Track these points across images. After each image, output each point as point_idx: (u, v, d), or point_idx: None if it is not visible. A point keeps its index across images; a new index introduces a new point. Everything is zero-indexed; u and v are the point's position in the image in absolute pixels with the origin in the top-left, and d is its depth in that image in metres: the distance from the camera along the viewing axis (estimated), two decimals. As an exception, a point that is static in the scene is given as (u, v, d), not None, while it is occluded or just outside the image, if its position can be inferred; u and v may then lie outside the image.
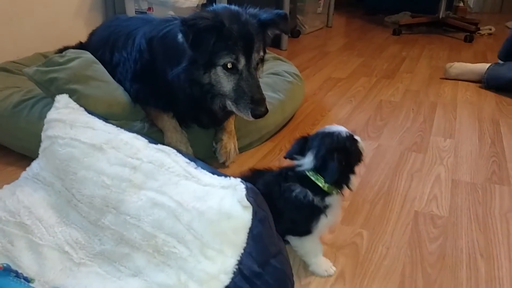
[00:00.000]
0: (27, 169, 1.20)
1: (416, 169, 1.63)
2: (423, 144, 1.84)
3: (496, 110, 2.26)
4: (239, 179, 0.90)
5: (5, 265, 0.87)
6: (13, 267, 0.89)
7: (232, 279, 0.87)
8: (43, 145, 1.17)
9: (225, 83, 1.41)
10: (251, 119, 1.44)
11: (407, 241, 1.23)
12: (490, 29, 4.16)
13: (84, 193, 1.03)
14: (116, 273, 0.93)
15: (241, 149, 1.71)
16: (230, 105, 1.45)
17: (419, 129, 1.99)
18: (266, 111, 1.44)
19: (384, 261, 1.15)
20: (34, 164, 1.19)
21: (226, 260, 0.87)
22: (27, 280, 0.93)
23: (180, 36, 1.39)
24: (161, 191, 0.93)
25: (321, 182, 1.01)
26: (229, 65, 1.38)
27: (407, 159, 1.70)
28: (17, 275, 0.92)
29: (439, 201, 1.42)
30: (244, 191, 0.87)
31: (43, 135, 1.18)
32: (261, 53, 1.47)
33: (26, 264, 0.96)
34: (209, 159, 1.60)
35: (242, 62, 1.40)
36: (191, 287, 0.86)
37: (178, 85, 1.44)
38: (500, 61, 2.65)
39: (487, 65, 2.59)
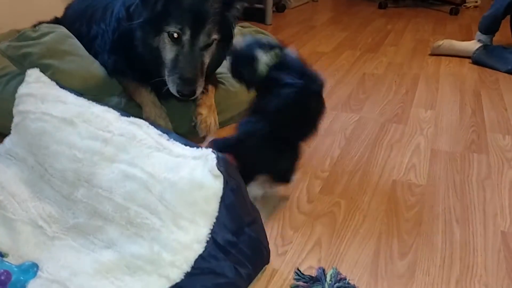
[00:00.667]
0: (0, 145, 1.18)
1: (396, 139, 1.64)
2: (404, 115, 1.84)
3: (479, 82, 2.27)
4: (210, 149, 0.90)
5: (-24, 240, 0.86)
6: (-14, 242, 0.89)
7: (206, 248, 0.87)
8: (15, 120, 1.15)
9: (168, 52, 1.39)
10: (175, 95, 1.42)
11: (384, 209, 1.24)
12: (476, 2, 4.15)
13: (56, 167, 1.01)
14: (90, 246, 0.92)
15: (222, 124, 1.70)
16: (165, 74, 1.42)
17: (400, 101, 1.99)
18: (193, 93, 1.41)
19: (361, 228, 1.16)
20: (7, 140, 1.17)
21: (198, 230, 0.87)
22: (1, 255, 0.93)
23: None
24: (132, 163, 0.92)
25: None
26: (175, 35, 1.36)
27: (387, 130, 1.70)
28: (-10, 250, 0.92)
29: (418, 170, 1.43)
30: (215, 161, 0.86)
31: (14, 110, 1.16)
32: (214, 36, 1.42)
33: (0, 239, 0.95)
34: (190, 133, 1.59)
35: (187, 36, 1.37)
36: (165, 257, 0.86)
37: (135, 42, 1.42)
38: (481, 38, 2.61)
39: (475, 46, 2.55)
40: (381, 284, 0.98)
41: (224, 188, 0.86)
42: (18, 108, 1.14)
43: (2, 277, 0.85)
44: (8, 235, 0.96)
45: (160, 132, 0.98)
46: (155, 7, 1.33)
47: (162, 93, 1.54)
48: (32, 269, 0.89)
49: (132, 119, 1.02)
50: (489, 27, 2.59)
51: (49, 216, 0.99)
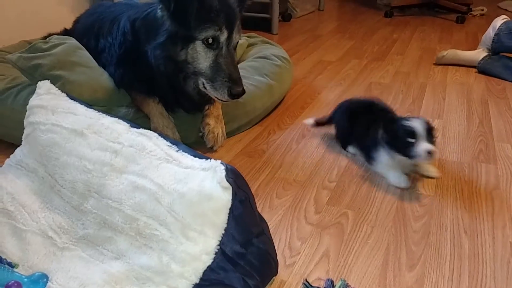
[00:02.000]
0: (11, 156, 1.20)
1: (404, 149, 1.63)
2: (411, 125, 1.84)
3: (486, 91, 2.26)
4: (219, 161, 0.90)
5: (-13, 251, 0.87)
6: (-4, 253, 0.90)
7: (214, 259, 0.88)
8: (25, 131, 1.17)
9: (202, 59, 1.39)
10: (226, 99, 1.42)
11: (392, 220, 1.24)
12: (482, 10, 4.14)
13: (66, 178, 1.02)
14: (99, 257, 0.93)
15: (229, 134, 1.71)
16: (204, 84, 1.42)
17: (407, 110, 1.99)
18: (244, 91, 1.42)
19: (369, 239, 1.16)
20: (18, 151, 1.19)
21: (207, 241, 0.87)
22: (11, 265, 0.94)
23: (159, 10, 1.37)
24: (142, 175, 0.93)
25: None
26: (210, 40, 1.37)
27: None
28: (1, 260, 0.93)
29: (425, 181, 1.43)
30: (224, 172, 0.87)
31: (25, 121, 1.17)
32: (241, 34, 1.46)
33: (10, 249, 0.97)
34: (197, 144, 1.60)
35: (225, 35, 1.38)
36: (173, 268, 0.86)
37: (155, 63, 1.43)
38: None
39: (480, 55, 2.54)
40: (389, 296, 0.98)
41: (233, 200, 0.87)
42: (29, 119, 1.16)
43: (13, 288, 0.85)
44: (18, 246, 0.97)
45: (170, 144, 0.99)
46: (192, 16, 1.32)
47: (168, 104, 1.56)
48: (42, 279, 0.90)
49: (141, 130, 1.03)
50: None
51: (59, 227, 0.99)
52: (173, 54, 1.39)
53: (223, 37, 1.38)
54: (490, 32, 2.57)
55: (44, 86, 1.20)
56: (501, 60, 2.48)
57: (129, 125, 1.05)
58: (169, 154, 0.95)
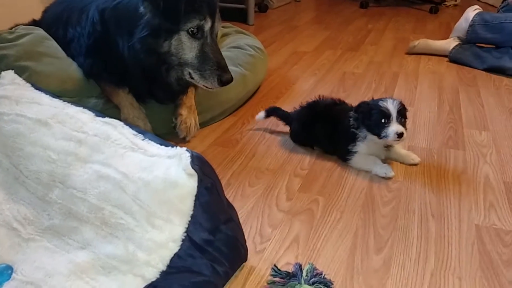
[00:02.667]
0: (-26, 148, 1.17)
1: (375, 137, 1.65)
2: (383, 113, 1.86)
3: (457, 79, 2.30)
4: (184, 148, 0.90)
5: None
6: (-42, 245, 0.88)
7: (182, 246, 0.87)
8: (-11, 123, 1.14)
9: (188, 49, 1.39)
10: (217, 87, 1.43)
11: (361, 205, 1.25)
12: (455, 0, 4.21)
13: (31, 169, 1.01)
14: (65, 247, 0.92)
15: (203, 124, 1.71)
16: (192, 74, 1.43)
17: (380, 99, 2.01)
18: (232, 78, 1.43)
19: (338, 224, 1.17)
20: (-19, 143, 1.16)
21: (173, 228, 0.87)
22: (-25, 258, 0.92)
23: (142, 7, 1.36)
24: (106, 164, 0.92)
25: None
26: (194, 30, 1.37)
27: (366, 128, 1.72)
28: (-37, 253, 0.91)
29: (395, 166, 1.45)
30: (189, 159, 0.87)
31: (-12, 113, 1.15)
32: (221, 22, 1.46)
33: (-26, 242, 0.95)
34: (169, 135, 1.59)
35: (208, 24, 1.38)
36: (140, 257, 0.86)
37: (133, 56, 1.41)
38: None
39: (451, 44, 2.59)
40: (356, 279, 1.00)
41: (199, 187, 0.87)
42: (-8, 110, 1.13)
43: (-24, 280, 0.84)
44: (-18, 238, 0.96)
45: (135, 132, 0.98)
46: (181, 12, 1.33)
47: (140, 94, 1.54)
48: (6, 271, 0.88)
49: (106, 119, 1.01)
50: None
51: (24, 218, 0.98)
52: (156, 46, 1.39)
53: (207, 26, 1.39)
54: (462, 22, 2.62)
55: (7, 76, 1.18)
56: (471, 49, 2.52)
57: (94, 114, 1.04)
58: (134, 143, 0.95)
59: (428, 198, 1.30)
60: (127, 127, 0.99)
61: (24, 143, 1.03)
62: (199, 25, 1.36)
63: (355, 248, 1.09)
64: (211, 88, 1.46)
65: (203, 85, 1.45)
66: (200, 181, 0.87)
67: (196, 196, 0.87)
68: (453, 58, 2.54)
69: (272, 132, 1.70)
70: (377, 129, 1.35)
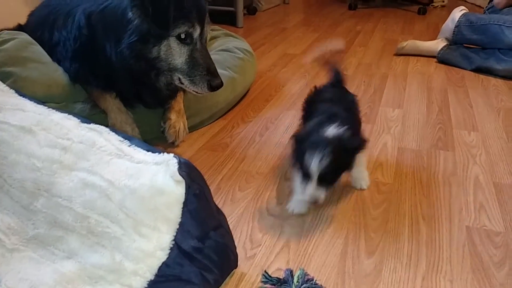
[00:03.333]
0: (-43, 156, 1.14)
1: (365, 139, 1.65)
2: (371, 115, 1.87)
3: (445, 80, 2.31)
4: (172, 155, 0.88)
5: None
6: None
7: (170, 255, 0.86)
8: (-29, 130, 1.11)
9: (177, 55, 1.38)
10: (207, 92, 1.42)
11: (352, 208, 1.25)
12: (443, 1, 4.24)
13: (15, 177, 0.98)
14: (51, 257, 0.90)
15: (192, 128, 1.69)
16: (181, 79, 1.42)
17: (369, 101, 2.02)
18: (222, 83, 1.43)
19: (328, 228, 1.17)
20: (-36, 151, 1.13)
21: (161, 237, 0.85)
22: (-43, 270, 0.90)
23: (130, 12, 1.35)
24: (92, 171, 0.90)
25: None
26: (183, 35, 1.36)
27: (356, 130, 1.72)
28: None
29: (385, 169, 1.45)
30: (176, 166, 0.85)
31: (-29, 120, 1.12)
32: (210, 26, 1.46)
33: (-44, 253, 0.92)
34: (158, 139, 1.57)
35: (198, 31, 1.38)
36: (127, 266, 0.84)
37: (121, 62, 1.40)
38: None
39: (439, 45, 2.60)
40: (348, 283, 0.99)
41: (187, 194, 0.85)
42: (-25, 117, 1.11)
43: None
44: (-36, 250, 0.93)
45: (121, 138, 0.96)
46: (170, 18, 1.31)
47: (128, 99, 1.52)
48: (-11, 283, 0.86)
49: (92, 125, 0.99)
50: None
51: (8, 228, 0.96)
52: (145, 52, 1.37)
53: (197, 32, 1.38)
54: (449, 23, 2.63)
55: (-10, 82, 1.15)
56: (459, 50, 2.54)
57: (79, 120, 1.02)
58: (120, 149, 0.93)
59: (418, 200, 1.29)
60: (113, 133, 0.97)
61: (7, 151, 1.00)
62: (188, 31, 1.36)
63: (346, 253, 1.08)
64: (200, 93, 1.45)
65: (193, 90, 1.45)
66: (188, 188, 0.85)
67: (184, 203, 0.85)
68: (442, 59, 2.56)
69: (262, 135, 1.69)
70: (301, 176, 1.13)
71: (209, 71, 1.41)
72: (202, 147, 1.61)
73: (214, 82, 1.41)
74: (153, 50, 1.37)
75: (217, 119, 1.82)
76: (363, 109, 1.92)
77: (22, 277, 0.86)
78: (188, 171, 0.87)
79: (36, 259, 0.90)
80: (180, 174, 0.84)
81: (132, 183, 0.86)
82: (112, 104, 1.49)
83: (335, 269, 1.03)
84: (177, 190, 0.84)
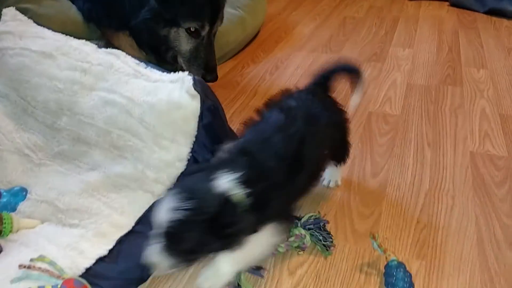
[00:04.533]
0: (-19, 84, 1.20)
1: (373, 76, 1.67)
2: (382, 54, 1.88)
3: (457, 22, 2.29)
4: (186, 72, 0.93)
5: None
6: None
7: (187, 166, 0.92)
8: (-6, 58, 1.16)
9: (184, 44, 1.44)
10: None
11: (359, 137, 1.29)
12: None
13: (38, 99, 1.04)
14: (76, 169, 0.97)
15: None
16: (181, 62, 1.47)
17: (379, 42, 2.02)
18: (217, 77, 1.50)
19: (336, 153, 1.21)
20: (-12, 79, 1.18)
21: (179, 148, 0.91)
22: (-9, 182, 0.97)
23: None
24: (111, 90, 0.95)
25: None
26: (192, 29, 1.40)
27: (365, 68, 1.74)
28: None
29: (393, 102, 1.48)
30: (191, 82, 0.90)
31: (-8, 49, 1.16)
32: (223, 19, 1.50)
33: (-12, 168, 0.99)
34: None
35: (206, 29, 1.42)
36: (148, 175, 0.90)
37: (138, 30, 1.45)
38: None
39: None
40: (353, 198, 1.04)
41: (201, 108, 0.90)
42: (-4, 46, 1.15)
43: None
44: (-5, 165, 1.00)
45: (138, 61, 1.00)
46: (176, 9, 1.36)
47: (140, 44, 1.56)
48: (21, 193, 0.93)
49: (109, 50, 1.04)
50: None
51: (35, 145, 1.02)
52: (157, 29, 1.42)
53: (205, 31, 1.43)
54: None
55: (9, 13, 1.19)
56: None
57: (97, 46, 1.06)
58: (137, 70, 0.97)
59: (424, 129, 1.33)
60: (130, 56, 1.02)
61: (30, 75, 1.05)
62: (197, 27, 1.40)
63: (352, 174, 1.13)
64: None
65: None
66: (202, 102, 0.90)
67: (199, 117, 0.90)
68: (454, 1, 2.52)
69: (272, 74, 1.72)
70: None
71: (207, 66, 1.46)
72: (213, 85, 1.64)
73: (207, 77, 1.46)
74: (163, 30, 1.42)
75: (227, 60, 1.85)
76: (374, 49, 1.93)
77: (51, 187, 0.93)
78: (203, 87, 0.92)
79: (62, 172, 0.97)
80: (195, 89, 0.89)
81: (151, 99, 0.91)
82: (125, 41, 1.52)
83: (341, 186, 1.08)
84: (192, 104, 0.89)
